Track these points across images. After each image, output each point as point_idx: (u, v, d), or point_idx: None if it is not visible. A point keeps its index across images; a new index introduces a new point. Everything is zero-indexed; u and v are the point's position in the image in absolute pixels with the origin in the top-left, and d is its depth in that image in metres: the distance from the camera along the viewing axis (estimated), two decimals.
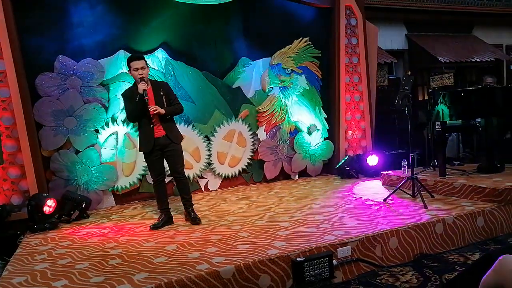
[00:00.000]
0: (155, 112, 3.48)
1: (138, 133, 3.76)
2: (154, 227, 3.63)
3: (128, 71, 3.62)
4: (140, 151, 3.74)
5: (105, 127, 4.78)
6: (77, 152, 4.62)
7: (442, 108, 4.39)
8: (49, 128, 4.48)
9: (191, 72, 5.28)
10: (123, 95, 3.69)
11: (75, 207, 4.23)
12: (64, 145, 4.57)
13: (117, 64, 4.88)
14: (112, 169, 4.78)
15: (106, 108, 4.80)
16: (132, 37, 4.99)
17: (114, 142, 4.83)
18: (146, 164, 4.86)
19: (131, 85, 4.86)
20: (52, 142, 4.50)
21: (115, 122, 4.84)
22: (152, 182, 3.80)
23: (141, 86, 3.43)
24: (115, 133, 4.83)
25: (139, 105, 3.45)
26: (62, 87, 4.56)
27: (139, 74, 3.47)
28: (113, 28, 4.86)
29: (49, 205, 3.98)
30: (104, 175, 4.72)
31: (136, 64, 3.49)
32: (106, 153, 4.79)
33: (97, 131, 4.74)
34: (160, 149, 3.63)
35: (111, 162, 4.80)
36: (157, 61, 5.10)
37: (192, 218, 3.73)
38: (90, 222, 4.15)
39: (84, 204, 4.29)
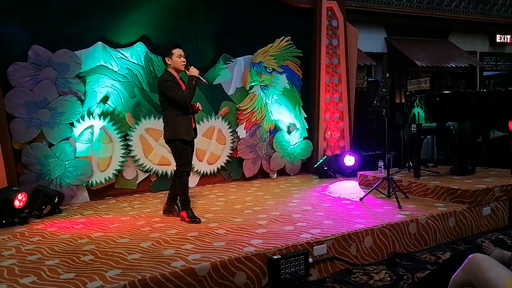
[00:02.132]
0: (199, 109, 3.74)
1: (171, 120, 3.55)
2: (197, 219, 3.52)
3: (167, 57, 3.55)
4: (183, 138, 3.54)
5: (81, 120, 4.66)
6: (50, 145, 4.49)
7: (418, 111, 4.50)
8: (21, 120, 4.33)
9: None
10: (167, 80, 3.50)
11: (47, 202, 4.10)
12: (36, 138, 4.43)
13: (95, 56, 4.76)
14: (87, 163, 4.66)
15: (82, 101, 4.68)
16: (111, 29, 4.89)
17: (89, 136, 4.71)
18: (122, 160, 4.86)
19: (108, 78, 4.82)
20: (24, 135, 4.35)
21: (91, 116, 4.72)
22: (185, 174, 3.60)
23: (195, 70, 3.53)
24: (91, 126, 4.72)
25: (195, 88, 3.55)
26: (36, 78, 4.41)
27: (182, 62, 3.55)
28: (92, 19, 4.74)
29: (19, 199, 3.85)
30: (78, 170, 4.60)
31: (180, 51, 3.56)
32: (81, 147, 4.67)
33: (72, 124, 4.62)
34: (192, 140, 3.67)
35: (86, 157, 4.68)
36: (136, 55, 5.02)
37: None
38: (62, 217, 4.03)
39: (56, 199, 4.17)
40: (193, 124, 3.70)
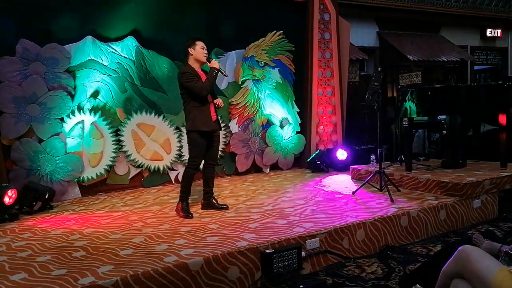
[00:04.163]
0: (220, 106, 3.70)
1: (190, 112, 3.54)
2: (189, 214, 3.53)
3: (190, 48, 3.56)
4: (199, 129, 3.51)
5: (71, 115, 4.61)
6: (40, 141, 4.44)
7: (409, 105, 4.52)
8: (9, 116, 4.27)
9: (162, 62, 5.17)
10: (185, 71, 3.50)
11: (38, 198, 4.06)
12: (26, 133, 4.37)
13: (84, 50, 4.70)
14: (78, 159, 4.61)
15: (72, 96, 4.62)
16: (101, 22, 4.82)
17: (80, 131, 4.66)
18: (113, 155, 4.81)
19: (99, 72, 4.77)
20: (13, 130, 4.29)
21: (81, 111, 4.67)
22: (191, 167, 3.60)
23: (216, 62, 3.60)
24: (82, 122, 4.67)
25: (214, 80, 3.59)
26: (25, 72, 4.34)
27: (205, 53, 3.59)
28: (81, 12, 4.68)
29: (9, 195, 3.80)
30: (69, 165, 4.55)
31: (203, 44, 3.60)
32: (72, 142, 4.62)
33: (62, 119, 4.56)
34: (212, 132, 3.64)
35: (76, 152, 4.63)
36: (127, 49, 4.96)
37: (221, 206, 3.79)
38: (53, 213, 4.00)
39: (47, 195, 4.13)
40: (214, 116, 3.67)
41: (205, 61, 3.61)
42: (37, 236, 3.24)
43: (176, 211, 3.65)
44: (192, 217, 3.52)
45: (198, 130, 3.54)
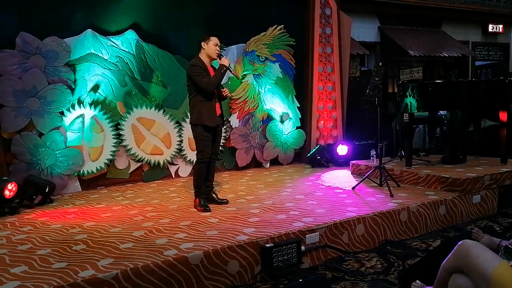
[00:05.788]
0: (227, 95, 3.74)
1: (196, 106, 3.54)
2: (207, 208, 3.55)
3: (204, 42, 3.57)
4: (204, 123, 3.52)
5: (71, 109, 4.60)
6: (40, 134, 4.43)
7: (410, 100, 4.50)
8: (9, 109, 4.26)
9: (162, 56, 5.15)
10: (195, 64, 3.52)
11: (38, 191, 4.06)
12: (26, 127, 4.36)
13: (84, 44, 4.68)
14: (78, 153, 4.61)
15: (72, 90, 4.61)
16: (101, 16, 4.80)
17: (80, 125, 4.65)
18: (114, 149, 4.82)
19: (99, 66, 4.75)
20: (13, 124, 4.28)
21: (81, 105, 4.66)
22: (201, 162, 3.59)
23: (226, 60, 3.59)
24: (82, 116, 4.66)
25: (222, 77, 3.58)
26: (24, 65, 4.33)
27: (217, 51, 3.59)
28: (81, 5, 4.65)
29: (9, 189, 3.80)
30: (69, 159, 4.55)
31: (217, 40, 3.59)
32: (72, 136, 4.62)
33: (62, 113, 4.55)
34: (216, 127, 3.64)
35: (77, 146, 4.63)
36: (127, 43, 4.94)
37: (221, 200, 3.80)
38: (54, 207, 4.00)
39: (47, 188, 4.13)
40: (219, 111, 3.68)
41: (216, 57, 3.61)
42: (37, 229, 3.25)
43: (194, 206, 3.67)
44: (209, 210, 3.54)
45: (203, 124, 3.55)
